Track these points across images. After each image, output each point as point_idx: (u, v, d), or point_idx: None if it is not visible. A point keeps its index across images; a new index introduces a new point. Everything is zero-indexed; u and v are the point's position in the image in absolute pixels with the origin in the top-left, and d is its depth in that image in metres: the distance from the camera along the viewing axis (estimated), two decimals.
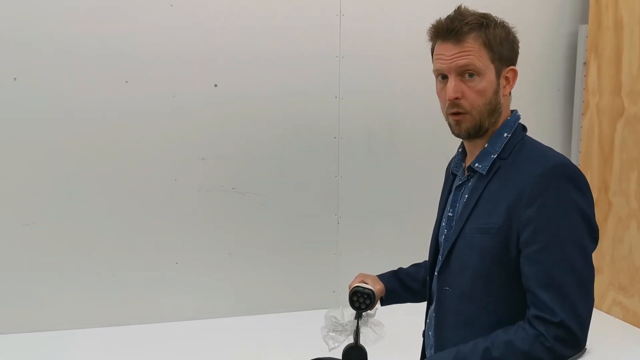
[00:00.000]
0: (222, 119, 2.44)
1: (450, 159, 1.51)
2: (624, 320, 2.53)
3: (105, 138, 2.33)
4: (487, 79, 1.24)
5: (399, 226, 2.68)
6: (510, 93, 1.32)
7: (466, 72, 1.24)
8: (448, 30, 1.24)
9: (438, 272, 1.35)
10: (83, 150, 2.31)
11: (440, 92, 1.29)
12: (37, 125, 2.26)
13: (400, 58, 2.57)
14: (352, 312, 1.50)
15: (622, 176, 2.53)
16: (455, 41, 1.23)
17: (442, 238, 1.37)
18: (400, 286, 1.57)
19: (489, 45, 1.24)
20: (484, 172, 1.27)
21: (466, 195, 1.31)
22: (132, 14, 2.30)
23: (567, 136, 2.86)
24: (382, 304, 1.57)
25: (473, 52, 1.23)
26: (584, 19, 2.77)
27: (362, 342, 1.48)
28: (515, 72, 1.29)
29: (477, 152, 1.30)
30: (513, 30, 1.29)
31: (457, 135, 1.30)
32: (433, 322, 1.37)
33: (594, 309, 1.21)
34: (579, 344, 1.15)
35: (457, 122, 1.27)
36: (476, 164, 1.29)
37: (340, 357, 1.50)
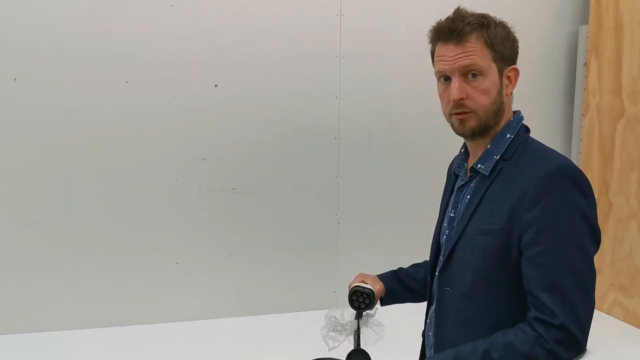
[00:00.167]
0: (223, 119, 2.44)
1: (450, 159, 1.51)
2: (624, 321, 2.53)
3: (105, 138, 2.33)
4: (491, 78, 1.24)
5: (399, 226, 2.68)
6: (512, 93, 1.32)
7: (469, 73, 1.23)
8: (450, 31, 1.24)
9: (439, 273, 1.35)
10: (83, 150, 2.31)
11: (443, 94, 1.29)
12: (37, 125, 2.26)
13: (401, 58, 2.57)
14: (352, 312, 1.50)
15: (623, 177, 2.53)
16: (457, 42, 1.23)
17: (443, 238, 1.37)
18: (400, 286, 1.57)
19: (490, 45, 1.24)
20: (486, 173, 1.27)
21: (468, 196, 1.30)
22: (132, 14, 2.30)
23: (567, 137, 2.86)
24: (382, 304, 1.57)
25: (475, 52, 1.23)
26: (584, 19, 2.77)
27: (362, 342, 1.48)
28: (517, 72, 1.30)
29: (479, 153, 1.30)
30: (512, 29, 1.29)
31: (461, 135, 1.30)
32: (433, 323, 1.36)
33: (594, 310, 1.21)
34: (579, 347, 1.15)
35: (461, 121, 1.26)
36: (479, 165, 1.29)
37: (340, 358, 1.49)
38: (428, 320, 1.42)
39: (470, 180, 1.33)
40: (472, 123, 1.25)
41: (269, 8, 2.43)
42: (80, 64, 2.27)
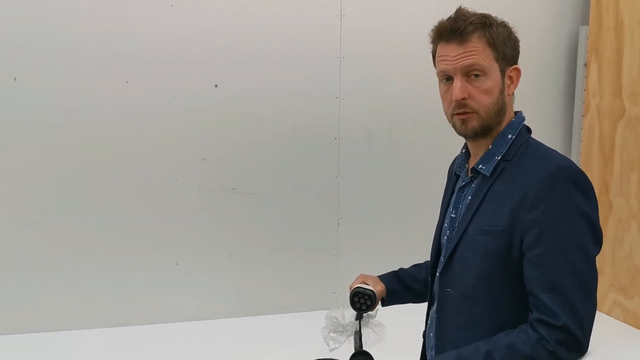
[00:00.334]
0: (223, 120, 2.44)
1: (450, 159, 1.51)
2: (625, 322, 2.53)
3: (105, 138, 2.33)
4: (493, 78, 1.24)
5: (400, 226, 2.68)
6: (513, 93, 1.31)
7: (472, 73, 1.23)
8: (452, 31, 1.24)
9: (440, 273, 1.34)
10: (83, 150, 2.31)
11: (445, 94, 1.29)
12: (37, 125, 2.26)
13: (401, 59, 2.57)
14: (352, 313, 1.50)
15: (623, 177, 2.53)
16: (459, 41, 1.23)
17: (444, 239, 1.37)
18: (401, 287, 1.57)
19: (493, 45, 1.24)
20: (487, 174, 1.27)
21: (469, 197, 1.30)
22: (132, 14, 2.30)
23: (567, 137, 2.86)
24: (383, 305, 1.57)
25: (478, 51, 1.23)
26: (584, 20, 2.77)
27: (363, 342, 1.48)
28: (518, 71, 1.29)
29: (480, 154, 1.30)
30: (514, 29, 1.29)
31: (463, 135, 1.30)
32: (434, 324, 1.36)
33: None
34: (582, 348, 1.15)
35: (463, 122, 1.26)
36: (480, 166, 1.28)
37: (341, 358, 1.49)
38: (429, 321, 1.42)
39: (471, 181, 1.32)
40: (474, 123, 1.25)
41: (269, 8, 2.43)
42: (80, 64, 2.27)
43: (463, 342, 1.23)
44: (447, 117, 1.30)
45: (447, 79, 1.27)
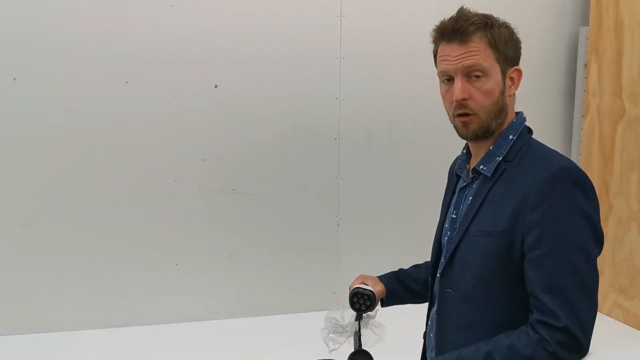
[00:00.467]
0: (223, 120, 2.43)
1: (451, 159, 1.51)
2: (625, 323, 2.53)
3: (105, 138, 2.33)
4: (494, 79, 1.24)
5: (400, 227, 2.68)
6: (514, 94, 1.31)
7: (473, 73, 1.23)
8: (453, 31, 1.23)
9: (440, 274, 1.34)
10: (83, 151, 2.31)
11: (446, 95, 1.28)
12: (37, 125, 2.26)
13: (401, 59, 2.57)
14: (352, 314, 1.49)
15: (623, 178, 2.53)
16: (460, 41, 1.23)
17: (444, 240, 1.36)
18: (401, 287, 1.56)
19: (494, 45, 1.23)
20: (488, 175, 1.26)
21: (470, 197, 1.30)
22: (132, 14, 2.30)
23: (567, 137, 2.86)
24: (382, 306, 1.57)
25: (479, 52, 1.22)
26: (584, 20, 2.77)
27: (362, 343, 1.48)
28: (519, 72, 1.29)
29: (482, 154, 1.29)
30: (515, 30, 1.29)
31: (464, 137, 1.29)
32: (434, 324, 1.36)
33: None
34: (582, 350, 1.14)
35: (464, 124, 1.26)
36: (481, 166, 1.28)
37: (341, 359, 1.49)
38: (429, 322, 1.42)
39: (472, 182, 1.32)
40: (474, 126, 1.25)
41: (269, 8, 2.43)
42: (80, 64, 2.27)
43: (463, 343, 1.23)
44: (450, 118, 1.30)
45: (448, 79, 1.27)
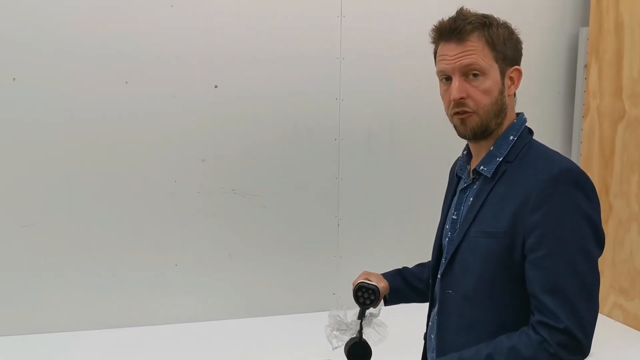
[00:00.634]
0: (223, 120, 2.43)
1: (450, 159, 1.50)
2: (625, 324, 2.53)
3: (105, 138, 2.33)
4: (492, 78, 1.24)
5: (400, 227, 2.68)
6: (515, 94, 1.31)
7: (470, 72, 1.23)
8: (451, 30, 1.23)
9: (441, 275, 1.34)
10: (83, 151, 2.31)
11: (445, 94, 1.28)
12: (37, 126, 2.25)
13: (401, 59, 2.57)
14: (355, 312, 1.49)
15: (623, 178, 2.53)
16: (458, 41, 1.23)
17: (445, 241, 1.36)
18: (404, 285, 1.56)
19: (492, 45, 1.23)
20: (489, 175, 1.26)
21: (471, 198, 1.30)
22: (132, 14, 2.30)
23: (567, 138, 2.86)
24: (385, 304, 1.57)
25: (476, 51, 1.22)
26: (584, 21, 2.77)
27: (364, 337, 1.48)
28: (519, 72, 1.29)
29: (482, 155, 1.29)
30: (516, 30, 1.29)
31: (463, 136, 1.29)
32: (435, 325, 1.36)
33: None
34: (583, 351, 1.14)
35: (462, 121, 1.26)
36: (481, 167, 1.28)
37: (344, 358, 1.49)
38: (430, 323, 1.41)
39: (473, 182, 1.32)
40: (473, 123, 1.25)
41: (269, 8, 2.43)
42: (80, 64, 2.27)
43: (464, 344, 1.23)
44: (449, 118, 1.30)
45: (446, 78, 1.27)
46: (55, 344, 2.25)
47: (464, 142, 1.37)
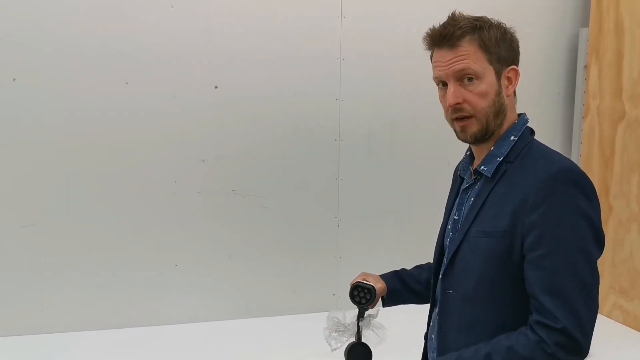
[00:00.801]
0: (223, 120, 2.43)
1: (450, 159, 1.51)
2: (624, 324, 2.53)
3: (105, 139, 2.33)
4: (487, 81, 1.24)
5: (400, 227, 2.68)
6: (515, 94, 1.31)
7: (464, 77, 1.23)
8: (441, 37, 1.24)
9: (442, 275, 1.34)
10: (83, 151, 2.31)
11: (442, 100, 1.29)
12: (36, 126, 2.25)
13: (401, 59, 2.57)
14: (354, 314, 1.49)
15: (623, 179, 2.53)
16: (450, 46, 1.23)
17: (447, 241, 1.36)
18: (402, 286, 1.56)
19: (484, 47, 1.23)
20: (489, 175, 1.26)
21: (472, 198, 1.30)
22: (132, 14, 2.30)
23: (567, 139, 2.86)
24: (384, 305, 1.57)
25: (468, 55, 1.22)
26: (584, 22, 2.77)
27: (362, 338, 1.48)
28: (516, 72, 1.29)
29: (483, 155, 1.29)
30: (511, 29, 1.29)
31: (464, 141, 1.30)
32: (436, 326, 1.36)
33: None
34: (582, 351, 1.14)
35: (463, 128, 1.26)
36: (482, 167, 1.28)
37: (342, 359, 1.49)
38: (431, 323, 1.42)
39: (474, 183, 1.32)
40: (473, 129, 1.25)
41: (269, 8, 2.43)
42: (80, 64, 2.27)
43: (465, 344, 1.23)
44: (449, 123, 1.30)
45: (442, 84, 1.27)
46: (55, 344, 2.25)
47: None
